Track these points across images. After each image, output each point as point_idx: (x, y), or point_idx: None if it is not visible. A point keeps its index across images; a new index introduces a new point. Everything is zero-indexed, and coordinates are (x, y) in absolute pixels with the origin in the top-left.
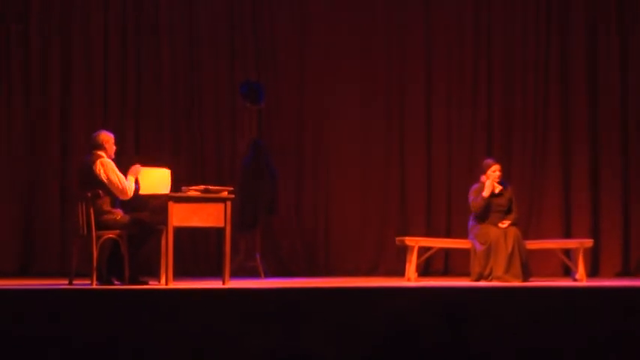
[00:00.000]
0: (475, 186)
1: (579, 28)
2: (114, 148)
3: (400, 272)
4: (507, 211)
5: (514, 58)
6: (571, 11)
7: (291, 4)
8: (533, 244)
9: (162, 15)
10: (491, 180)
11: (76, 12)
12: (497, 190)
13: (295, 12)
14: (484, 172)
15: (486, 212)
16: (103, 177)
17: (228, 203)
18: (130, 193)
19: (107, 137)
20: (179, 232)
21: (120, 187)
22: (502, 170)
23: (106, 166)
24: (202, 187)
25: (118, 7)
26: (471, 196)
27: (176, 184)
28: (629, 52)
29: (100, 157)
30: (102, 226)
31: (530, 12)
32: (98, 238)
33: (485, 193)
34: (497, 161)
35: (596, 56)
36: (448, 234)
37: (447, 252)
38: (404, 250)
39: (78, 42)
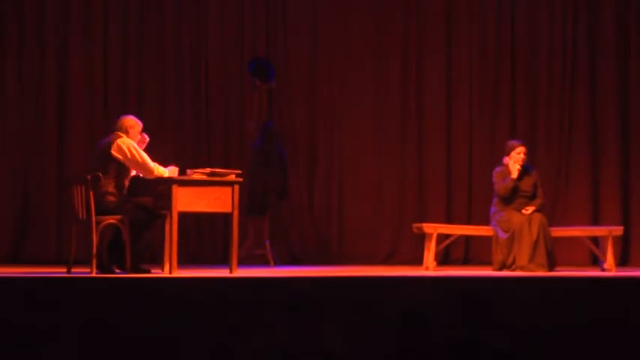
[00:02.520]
0: (498, 169)
1: (609, 1)
2: (139, 136)
3: (418, 261)
4: (532, 197)
5: (540, 33)
6: None
7: None
8: (559, 232)
9: None
10: (513, 161)
11: None
12: (520, 165)
13: None
14: (507, 153)
15: (512, 196)
16: (123, 155)
17: (236, 187)
18: (156, 172)
19: (133, 122)
20: (184, 217)
21: (144, 164)
22: (527, 153)
23: (127, 144)
24: (208, 169)
25: None
26: (496, 179)
27: (181, 167)
28: None
29: (121, 137)
30: (102, 210)
31: None
32: (98, 223)
33: (514, 175)
34: (523, 143)
35: (627, 29)
36: (469, 220)
37: (468, 239)
38: (422, 237)
39: (76, 18)
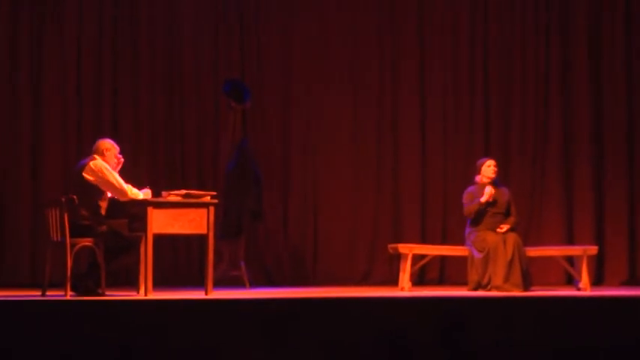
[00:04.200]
0: (470, 188)
1: (580, 19)
2: (115, 160)
3: (393, 281)
4: (506, 214)
5: (512, 55)
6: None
7: None
8: (533, 251)
9: (142, 6)
10: (486, 177)
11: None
12: (491, 199)
13: (283, 6)
14: (478, 171)
15: (479, 217)
16: (95, 177)
17: (211, 209)
18: (130, 194)
19: (110, 145)
20: (159, 239)
21: (117, 186)
22: (498, 166)
23: (99, 167)
24: (183, 191)
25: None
26: (465, 199)
27: (156, 189)
28: (632, 45)
29: (95, 159)
30: (77, 233)
31: (529, 2)
32: (73, 245)
33: (483, 199)
34: (492, 157)
35: (600, 51)
36: (444, 240)
37: (443, 260)
38: (397, 257)
39: (50, 40)
